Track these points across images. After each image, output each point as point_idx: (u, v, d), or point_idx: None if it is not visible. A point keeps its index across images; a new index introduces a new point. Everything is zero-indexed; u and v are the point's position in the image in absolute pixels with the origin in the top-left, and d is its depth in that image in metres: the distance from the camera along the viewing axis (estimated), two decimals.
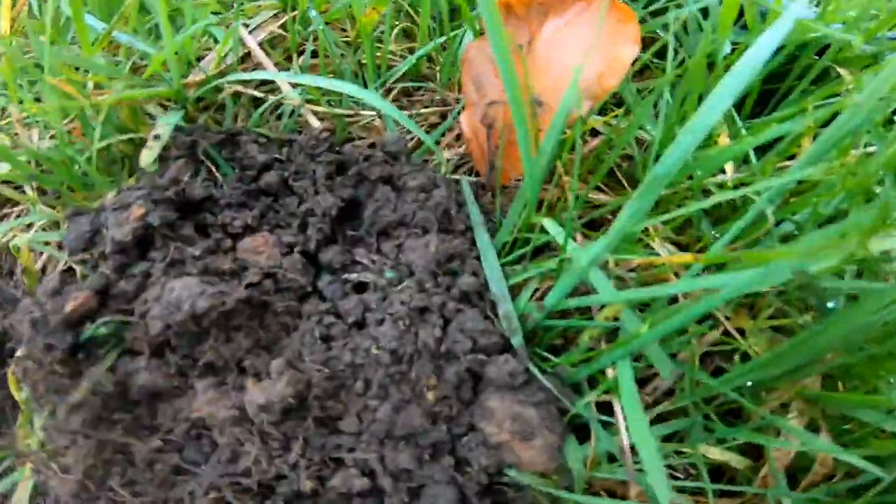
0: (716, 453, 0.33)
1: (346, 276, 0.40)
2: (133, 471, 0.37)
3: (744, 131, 0.44)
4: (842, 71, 0.50)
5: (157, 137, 0.38)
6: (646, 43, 0.42)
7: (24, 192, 0.46)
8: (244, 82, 0.47)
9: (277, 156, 0.44)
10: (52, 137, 0.46)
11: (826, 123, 0.33)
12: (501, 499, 0.35)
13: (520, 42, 0.42)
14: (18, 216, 0.46)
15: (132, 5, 0.49)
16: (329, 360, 0.37)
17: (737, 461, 0.32)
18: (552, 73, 0.40)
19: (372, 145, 0.48)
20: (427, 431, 0.36)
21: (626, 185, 0.46)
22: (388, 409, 0.36)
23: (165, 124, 0.39)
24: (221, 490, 0.35)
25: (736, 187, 0.39)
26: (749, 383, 0.32)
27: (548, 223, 0.37)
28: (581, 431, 0.35)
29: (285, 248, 0.40)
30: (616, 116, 0.48)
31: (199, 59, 0.49)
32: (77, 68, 0.44)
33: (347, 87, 0.42)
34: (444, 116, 0.52)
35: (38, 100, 0.51)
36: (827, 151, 0.31)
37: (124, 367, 0.37)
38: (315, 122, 0.47)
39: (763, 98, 0.54)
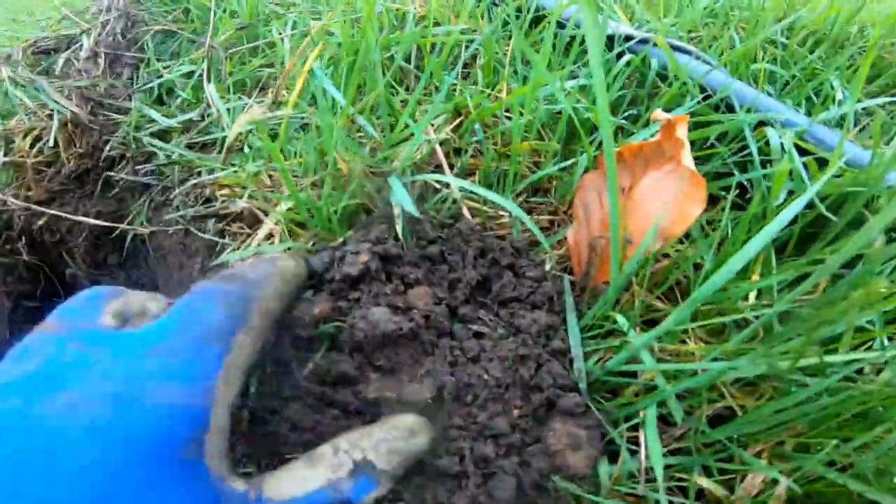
0: (705, 482, 0.49)
1: (472, 326, 0.60)
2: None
3: (774, 270, 0.61)
4: (871, 219, 0.65)
5: (398, 215, 0.61)
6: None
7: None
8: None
9: (441, 234, 0.65)
10: (304, 188, 0.71)
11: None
12: (545, 495, 0.53)
13: (623, 185, 0.62)
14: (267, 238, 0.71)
15: (373, 97, 0.73)
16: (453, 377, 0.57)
17: (717, 489, 0.48)
18: (641, 215, 0.59)
19: (502, 237, 0.69)
20: (507, 435, 0.55)
21: (680, 298, 0.63)
22: (485, 416, 0.55)
23: (399, 202, 0.62)
24: None
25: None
26: (736, 435, 0.49)
27: (618, 317, 0.55)
28: (612, 457, 0.53)
29: (437, 299, 0.61)
30: (683, 245, 0.67)
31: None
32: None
33: (495, 196, 0.64)
34: (552, 223, 0.72)
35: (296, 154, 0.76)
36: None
37: (329, 357, 0.58)
38: (468, 213, 0.68)
39: (812, 238, 0.67)
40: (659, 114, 0.57)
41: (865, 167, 0.63)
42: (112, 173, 0.97)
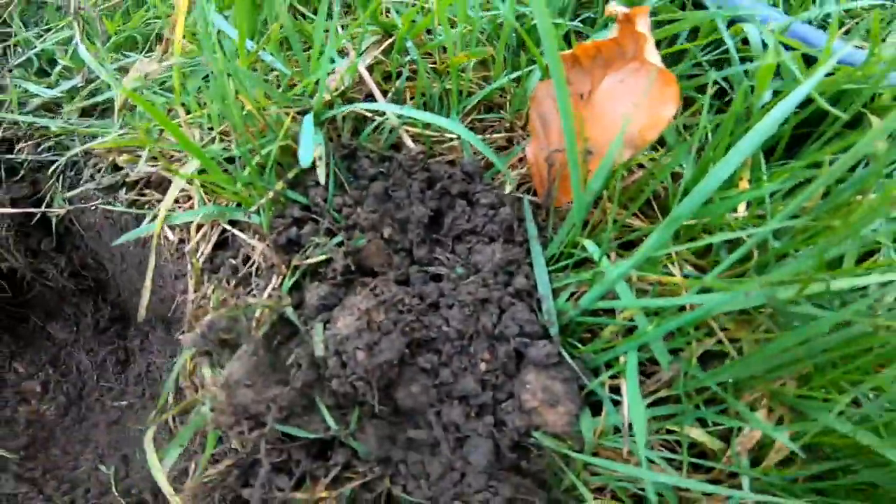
0: (697, 434, 0.43)
1: (429, 268, 0.52)
2: None
3: (765, 176, 0.53)
4: (874, 119, 0.56)
5: (320, 158, 0.51)
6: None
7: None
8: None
9: (381, 169, 0.56)
10: (212, 140, 0.60)
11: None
12: (526, 455, 0.47)
13: (581, 90, 0.52)
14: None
15: (276, 31, 0.61)
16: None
17: (711, 442, 0.42)
18: (605, 122, 0.49)
19: (452, 163, 0.59)
20: (476, 395, 0.48)
21: (659, 214, 0.55)
22: (449, 373, 0.48)
23: (319, 144, 0.52)
24: None
25: (744, 227, 0.48)
26: (731, 380, 0.42)
27: (588, 243, 0.47)
28: (596, 409, 0.46)
29: (389, 251, 0.53)
30: (657, 153, 0.57)
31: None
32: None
33: (437, 119, 0.54)
34: (510, 141, 0.63)
35: (199, 104, 0.65)
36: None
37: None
38: (409, 142, 0.58)
39: (801, 140, 0.61)
40: (614, 7, 0.46)
41: (858, 66, 0.54)
42: (12, 156, 0.85)
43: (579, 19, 0.70)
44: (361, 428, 0.48)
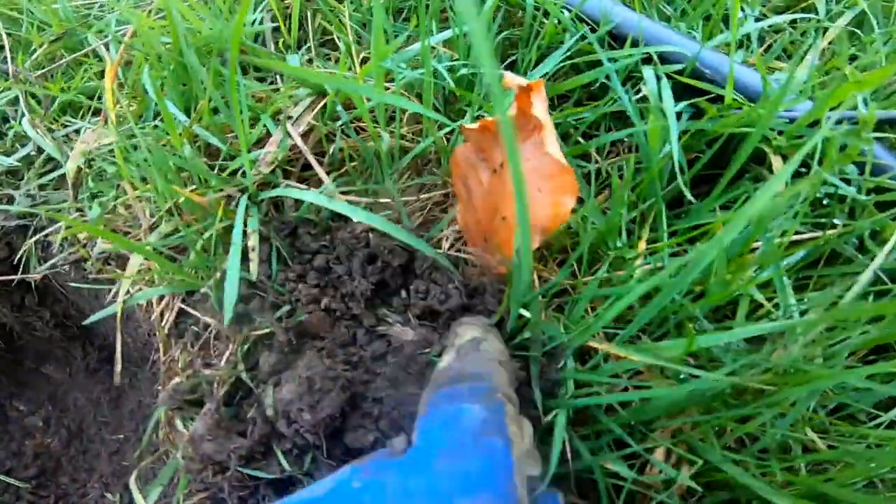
0: (611, 465, 0.48)
1: (377, 328, 0.58)
2: None
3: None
4: (773, 159, 0.60)
5: (254, 249, 0.55)
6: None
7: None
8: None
9: (324, 242, 0.60)
10: (160, 217, 0.64)
11: None
12: None
13: (495, 165, 0.55)
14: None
15: (205, 107, 0.65)
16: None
17: (625, 472, 0.47)
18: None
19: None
20: None
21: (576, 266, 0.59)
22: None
23: (254, 231, 0.56)
24: None
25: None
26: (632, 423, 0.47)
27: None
28: None
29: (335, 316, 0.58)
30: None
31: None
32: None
33: (359, 214, 0.57)
34: (446, 196, 0.66)
35: (143, 179, 0.68)
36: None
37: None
38: (348, 212, 0.61)
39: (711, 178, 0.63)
40: (510, 79, 0.49)
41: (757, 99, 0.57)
42: None
43: (505, 64, 0.73)
44: (317, 467, 0.54)
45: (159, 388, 0.72)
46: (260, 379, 0.58)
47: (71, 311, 1.16)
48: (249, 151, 0.62)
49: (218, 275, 0.57)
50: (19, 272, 0.94)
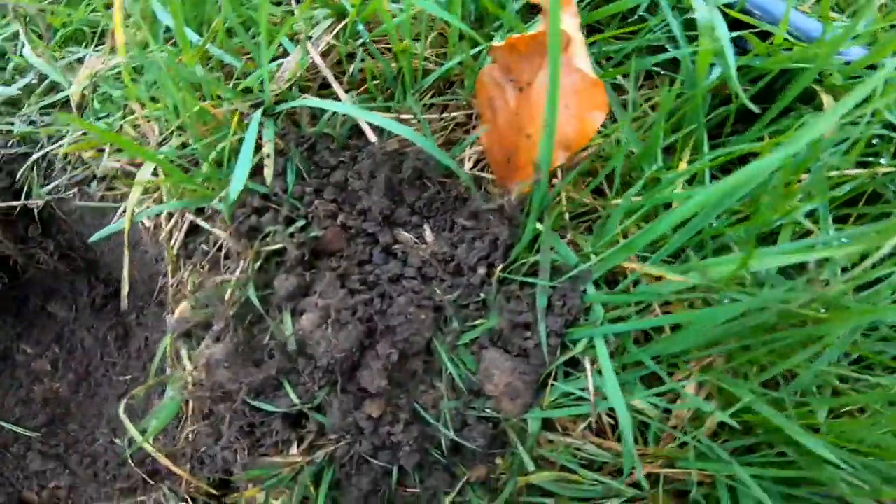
0: (638, 403, 0.46)
1: (393, 247, 0.56)
2: None
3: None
4: (824, 97, 0.56)
5: (269, 155, 0.52)
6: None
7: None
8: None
9: (342, 158, 0.58)
10: (171, 134, 0.61)
11: None
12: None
13: (522, 82, 0.51)
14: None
15: (220, 24, 0.61)
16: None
17: (650, 410, 0.45)
18: (541, 119, 0.49)
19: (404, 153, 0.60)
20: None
21: (607, 188, 0.56)
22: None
23: (269, 141, 0.53)
24: None
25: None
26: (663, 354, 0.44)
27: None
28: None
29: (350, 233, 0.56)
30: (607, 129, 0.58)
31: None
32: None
33: (387, 123, 0.54)
34: (469, 117, 0.63)
35: (153, 99, 0.65)
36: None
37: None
38: (368, 132, 0.58)
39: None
40: None
41: (814, 41, 0.53)
42: None
43: None
44: (328, 402, 0.52)
45: (167, 316, 0.70)
46: (276, 304, 0.56)
47: (75, 242, 1.14)
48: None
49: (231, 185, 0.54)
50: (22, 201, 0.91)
